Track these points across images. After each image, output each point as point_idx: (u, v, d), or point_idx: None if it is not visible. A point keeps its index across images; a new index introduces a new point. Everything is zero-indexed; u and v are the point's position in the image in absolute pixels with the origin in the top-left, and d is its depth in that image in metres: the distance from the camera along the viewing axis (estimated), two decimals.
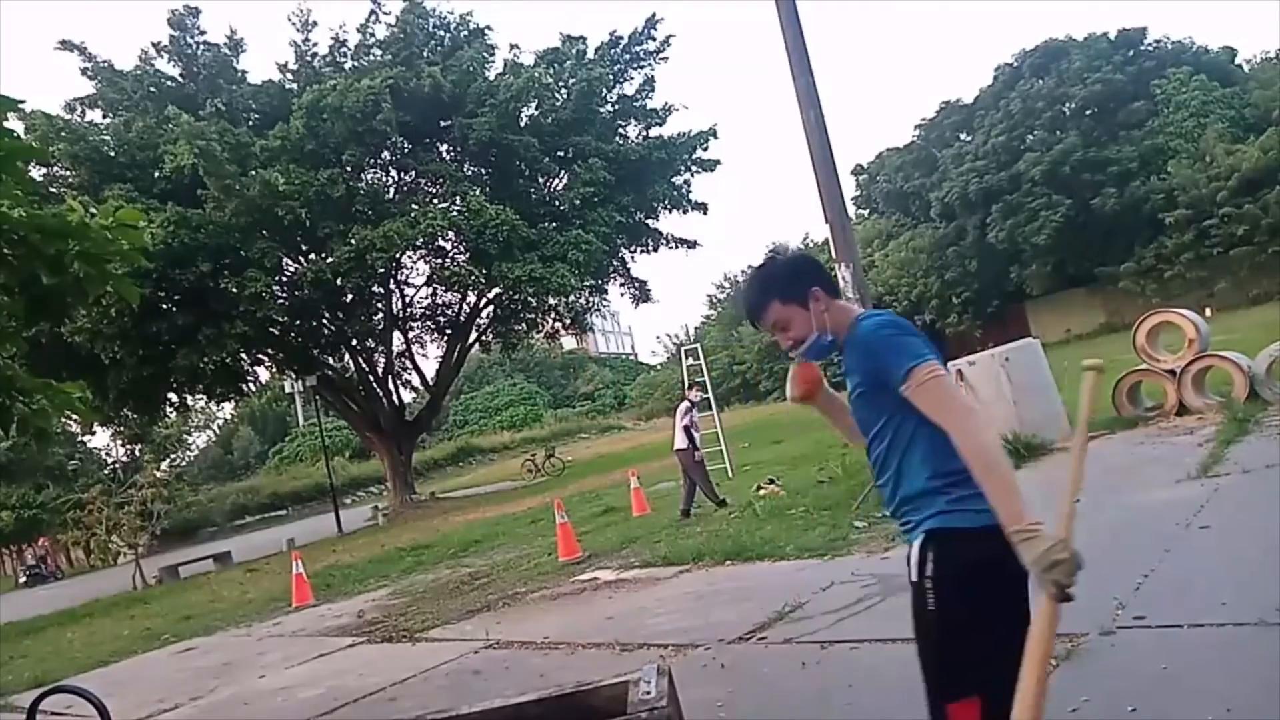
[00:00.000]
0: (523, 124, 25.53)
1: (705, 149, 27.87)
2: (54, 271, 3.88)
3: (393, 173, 27.07)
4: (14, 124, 3.85)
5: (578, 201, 25.13)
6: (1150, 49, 42.19)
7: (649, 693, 2.09)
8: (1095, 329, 38.40)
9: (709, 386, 17.82)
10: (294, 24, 25.96)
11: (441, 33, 26.89)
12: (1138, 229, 37.91)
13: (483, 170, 26.62)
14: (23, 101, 3.61)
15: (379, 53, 25.69)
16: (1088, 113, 41.09)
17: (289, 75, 26.26)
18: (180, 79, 24.95)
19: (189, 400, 29.06)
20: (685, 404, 12.32)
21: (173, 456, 50.11)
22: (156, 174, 21.72)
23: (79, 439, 40.68)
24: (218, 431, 64.56)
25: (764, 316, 2.26)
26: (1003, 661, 1.88)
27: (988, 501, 1.91)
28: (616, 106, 27.53)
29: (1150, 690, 3.42)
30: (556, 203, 25.91)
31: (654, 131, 28.04)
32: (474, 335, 30.42)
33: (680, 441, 11.79)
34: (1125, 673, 3.67)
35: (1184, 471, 7.21)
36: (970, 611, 1.95)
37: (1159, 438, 9.25)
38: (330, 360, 28.71)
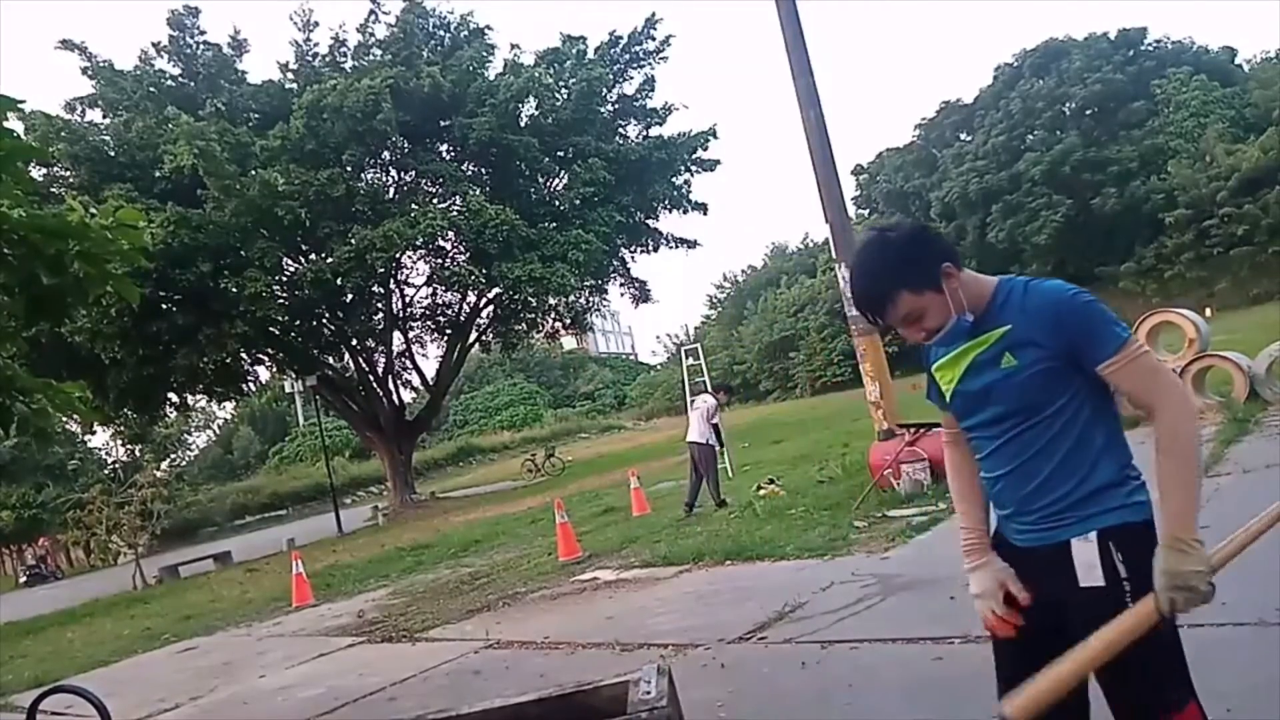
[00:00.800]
0: (523, 124, 25.53)
1: (705, 149, 27.89)
2: (54, 271, 3.88)
3: (393, 172, 27.06)
4: (13, 124, 3.85)
5: (578, 201, 25.13)
6: (1150, 49, 42.26)
7: (649, 693, 2.09)
8: None
9: (708, 385, 17.84)
10: (295, 24, 26.01)
11: (441, 32, 26.91)
12: (1138, 229, 37.98)
13: (483, 170, 26.62)
14: (23, 101, 3.61)
15: (379, 53, 25.68)
16: (1088, 113, 41.16)
17: (289, 75, 26.27)
18: (180, 79, 24.95)
19: (189, 400, 29.06)
20: (713, 401, 12.30)
21: (173, 456, 50.17)
22: (156, 174, 21.72)
23: (79, 439, 40.68)
24: (218, 431, 64.62)
25: (890, 311, 1.91)
26: (1185, 658, 1.84)
27: (1146, 492, 1.85)
28: (616, 106, 27.54)
29: None
30: (556, 203, 25.90)
31: (654, 131, 28.07)
32: (474, 335, 30.42)
33: (700, 435, 11.73)
34: None
35: None
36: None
37: None
38: (330, 360, 28.71)
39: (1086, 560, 1.84)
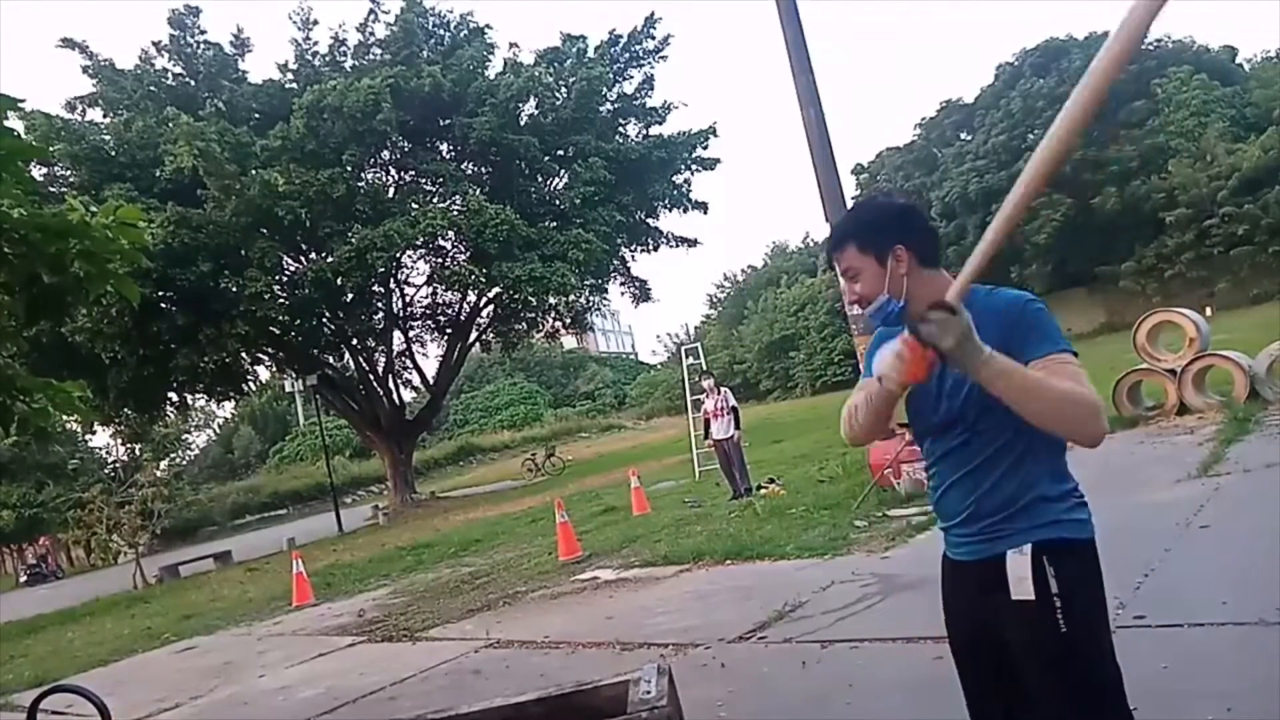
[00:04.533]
0: (523, 123, 25.53)
1: (705, 148, 27.90)
2: (55, 271, 3.88)
3: (393, 172, 27.07)
4: (14, 123, 3.85)
5: (578, 200, 25.13)
6: (1151, 48, 42.17)
7: (649, 692, 2.09)
8: (1096, 328, 38.43)
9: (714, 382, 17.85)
10: (294, 23, 26.00)
11: (441, 32, 26.91)
12: (1138, 228, 37.93)
13: (483, 169, 26.62)
14: (23, 101, 3.60)
15: (379, 52, 25.69)
16: None
17: (289, 75, 26.27)
18: (181, 78, 24.95)
19: (189, 399, 29.06)
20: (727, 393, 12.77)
21: (173, 456, 50.11)
22: (157, 173, 21.71)
23: (80, 438, 40.70)
24: (218, 431, 64.59)
25: (839, 259, 2.00)
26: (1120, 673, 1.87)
27: (1087, 512, 1.87)
28: (616, 105, 27.54)
29: (1151, 690, 3.41)
30: (557, 202, 25.90)
31: (654, 130, 28.07)
32: (474, 334, 30.43)
33: (723, 431, 12.25)
34: (1125, 672, 3.66)
35: (1184, 471, 7.21)
36: (1100, 626, 1.84)
37: (1159, 437, 9.25)
38: (330, 359, 28.71)
39: (1018, 573, 1.83)
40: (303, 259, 24.97)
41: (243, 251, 22.14)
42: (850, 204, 1.93)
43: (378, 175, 26.61)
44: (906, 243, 1.91)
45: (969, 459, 1.89)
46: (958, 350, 1.63)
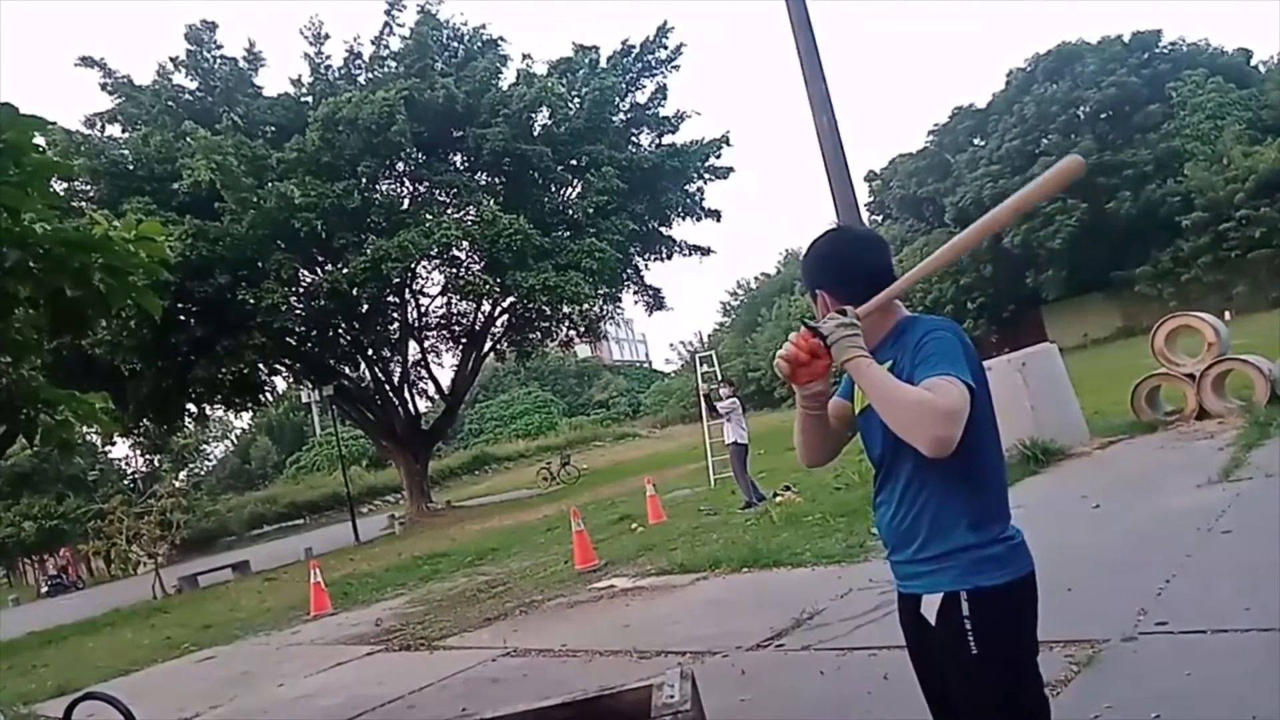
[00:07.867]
0: (536, 133, 25.65)
1: (718, 156, 27.91)
2: (78, 284, 3.93)
3: (407, 183, 27.24)
4: (35, 139, 3.91)
5: (591, 210, 25.20)
6: (1165, 51, 41.97)
7: (673, 697, 2.09)
8: (1112, 333, 38.15)
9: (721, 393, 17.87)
10: (306, 37, 26.22)
11: (455, 44, 27.09)
12: (1154, 232, 37.64)
13: (496, 180, 26.74)
14: (53, 123, 3.67)
15: (393, 64, 25.88)
16: (1102, 116, 40.91)
17: (304, 88, 26.50)
18: (197, 93, 25.22)
19: (207, 410, 29.28)
20: (734, 401, 12.83)
21: (191, 466, 50.51)
22: (175, 187, 21.95)
23: (99, 450, 41.08)
24: (236, 441, 65.03)
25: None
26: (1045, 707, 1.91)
27: (1019, 553, 1.90)
28: (629, 115, 27.63)
29: (1173, 697, 3.40)
30: (570, 211, 25.99)
31: (667, 139, 28.13)
32: (489, 344, 30.53)
33: (728, 436, 12.48)
34: (1148, 679, 3.64)
35: (1205, 476, 7.14)
36: (1018, 654, 1.89)
37: (1179, 442, 9.17)
38: (347, 370, 28.87)
39: (928, 610, 1.93)
40: (318, 270, 25.14)
41: (259, 263, 22.33)
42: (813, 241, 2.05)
43: (392, 186, 26.79)
44: (823, 287, 2.03)
45: (891, 494, 1.97)
46: (837, 344, 1.83)
